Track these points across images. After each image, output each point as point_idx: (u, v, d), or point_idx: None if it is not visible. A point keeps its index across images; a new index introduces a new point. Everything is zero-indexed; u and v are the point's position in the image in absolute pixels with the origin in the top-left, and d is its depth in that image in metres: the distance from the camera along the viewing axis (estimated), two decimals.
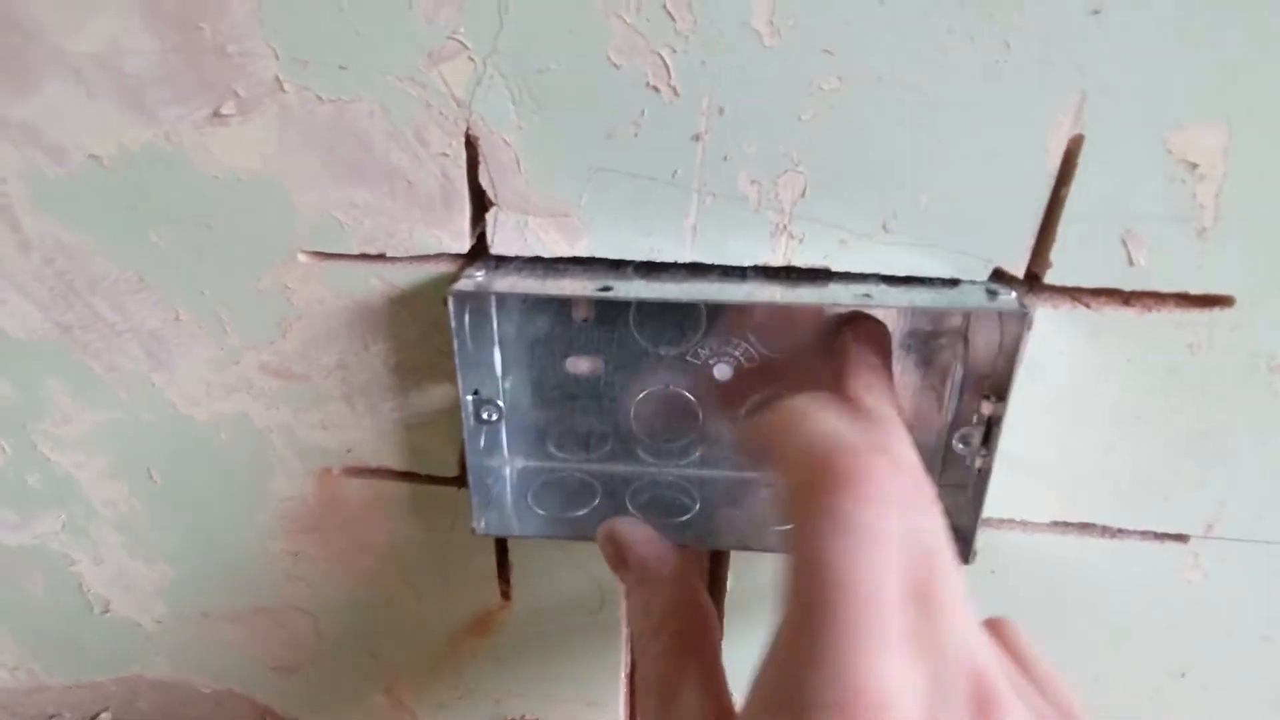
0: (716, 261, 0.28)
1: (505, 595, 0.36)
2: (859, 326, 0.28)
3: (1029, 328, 0.26)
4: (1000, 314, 0.27)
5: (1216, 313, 0.27)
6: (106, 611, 0.40)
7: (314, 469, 0.34)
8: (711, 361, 0.31)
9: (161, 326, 0.31)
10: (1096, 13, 0.23)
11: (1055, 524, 0.32)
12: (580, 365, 0.32)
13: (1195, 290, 0.26)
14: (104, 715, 0.44)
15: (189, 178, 0.28)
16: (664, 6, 0.24)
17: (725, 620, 0.34)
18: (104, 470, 0.35)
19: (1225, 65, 0.23)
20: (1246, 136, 0.24)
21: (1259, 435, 0.29)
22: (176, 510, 0.36)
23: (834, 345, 0.28)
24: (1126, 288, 0.27)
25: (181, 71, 0.26)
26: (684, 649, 0.26)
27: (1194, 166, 0.24)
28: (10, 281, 0.31)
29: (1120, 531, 0.31)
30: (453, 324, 0.27)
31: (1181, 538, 0.31)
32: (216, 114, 0.27)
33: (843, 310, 0.28)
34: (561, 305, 0.31)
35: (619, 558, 0.28)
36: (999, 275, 0.27)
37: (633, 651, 0.29)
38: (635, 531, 0.28)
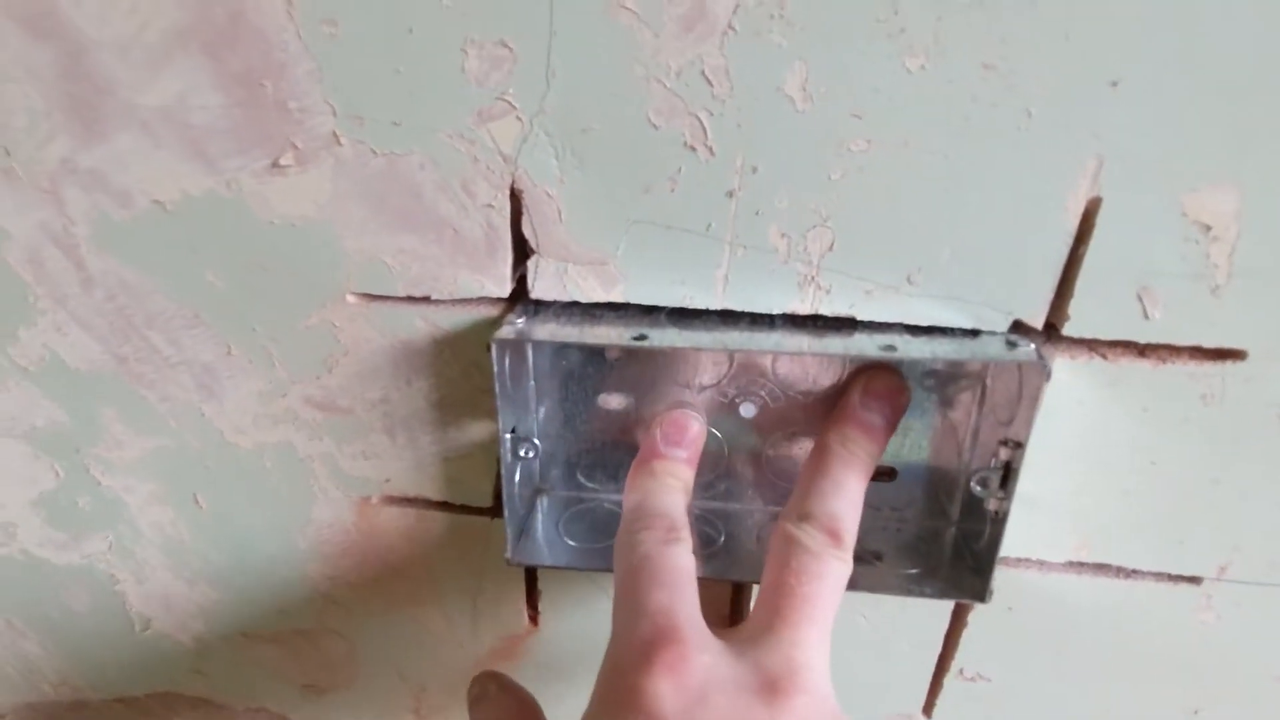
0: (746, 309, 0.29)
1: (534, 621, 0.37)
2: (873, 379, 0.30)
3: (1048, 378, 0.27)
4: (1020, 365, 0.28)
5: (1229, 365, 0.28)
6: (147, 629, 0.41)
7: (354, 498, 0.35)
8: (738, 400, 0.33)
9: (213, 360, 0.33)
10: (1114, 84, 0.24)
11: (1071, 564, 0.33)
12: (611, 401, 0.33)
13: (1208, 344, 0.27)
14: None
15: (246, 223, 0.29)
16: (702, 73, 0.25)
17: None
18: (152, 494, 0.37)
19: (1236, 132, 0.24)
20: (1257, 199, 0.25)
21: (1271, 482, 0.30)
22: (220, 534, 0.37)
23: (845, 389, 0.30)
24: (1142, 340, 0.28)
25: (244, 125, 0.28)
26: None
27: (1208, 228, 0.25)
28: (72, 315, 0.33)
29: (1135, 573, 0.32)
30: (495, 369, 0.29)
31: (1195, 580, 0.32)
32: (275, 164, 0.28)
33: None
34: (596, 349, 0.32)
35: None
36: (1018, 326, 0.28)
37: None
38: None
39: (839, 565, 0.26)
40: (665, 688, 0.23)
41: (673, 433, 0.31)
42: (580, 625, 0.37)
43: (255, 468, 0.35)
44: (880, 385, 0.30)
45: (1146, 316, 0.27)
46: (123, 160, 0.29)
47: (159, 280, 0.31)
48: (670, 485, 0.29)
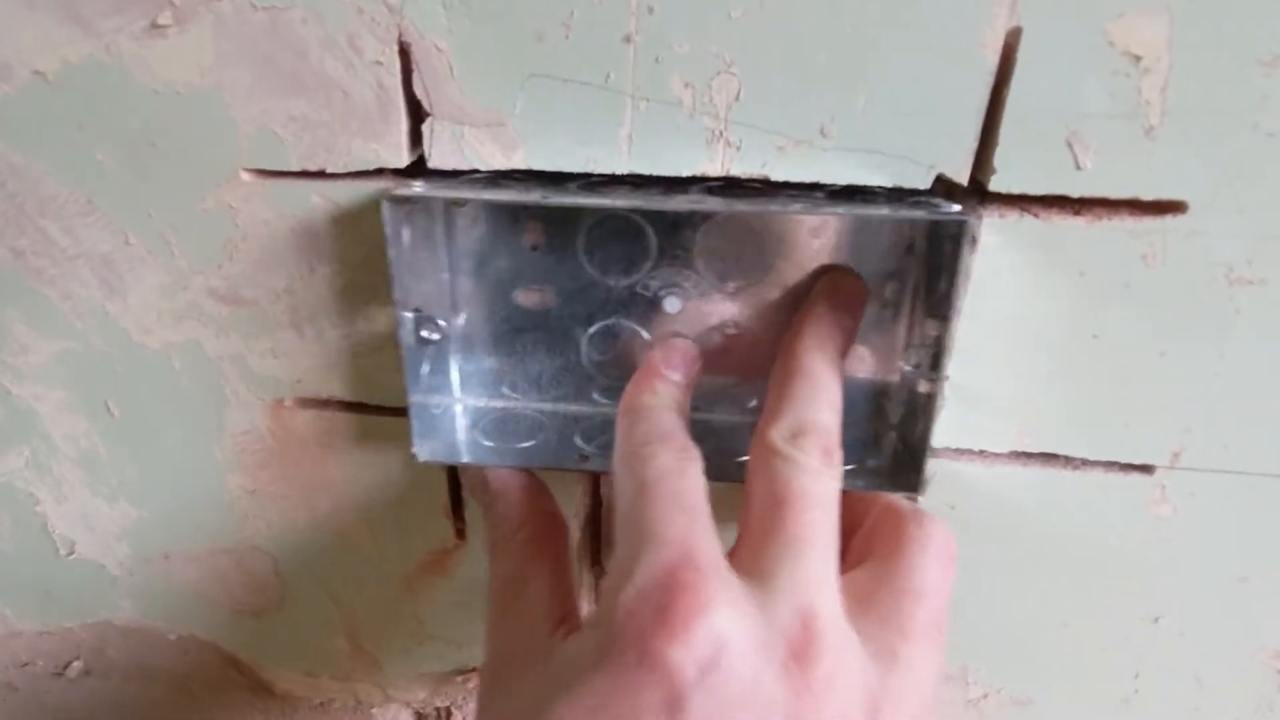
0: (654, 172, 0.27)
1: (460, 534, 0.36)
2: (840, 280, 0.28)
3: (973, 238, 0.26)
4: (941, 223, 0.26)
5: (1170, 220, 0.26)
6: (72, 554, 0.40)
7: (266, 401, 0.34)
8: (661, 294, 0.31)
9: (112, 251, 0.31)
10: None
11: (1015, 454, 0.31)
12: (530, 298, 0.32)
13: (1146, 196, 0.25)
14: (75, 664, 0.44)
15: (130, 93, 0.28)
16: None
17: None
18: (63, 403, 0.36)
19: None
20: (1189, 25, 0.23)
21: (1222, 355, 0.28)
22: (135, 445, 0.36)
23: (808, 295, 0.29)
24: (1075, 194, 0.26)
25: None
26: (534, 550, 0.28)
27: (1138, 59, 0.24)
28: None
29: (1083, 463, 0.30)
30: (388, 231, 0.27)
31: (1147, 469, 0.30)
32: (154, 25, 0.27)
33: (822, 263, 0.29)
34: (511, 232, 0.30)
35: (478, 482, 0.31)
36: (944, 185, 0.26)
37: (489, 559, 0.30)
38: (492, 468, 0.31)
39: (836, 485, 0.24)
40: (682, 655, 0.20)
41: (674, 357, 0.29)
42: None
43: (164, 370, 0.34)
44: (848, 285, 0.28)
45: (1078, 166, 0.25)
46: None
47: (48, 162, 0.30)
48: (672, 406, 0.27)
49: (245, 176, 0.29)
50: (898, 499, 0.28)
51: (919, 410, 0.29)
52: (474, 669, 0.39)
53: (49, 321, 0.33)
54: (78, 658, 0.44)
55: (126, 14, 0.27)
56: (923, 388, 0.28)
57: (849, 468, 0.30)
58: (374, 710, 0.43)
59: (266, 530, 0.37)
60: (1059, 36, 0.24)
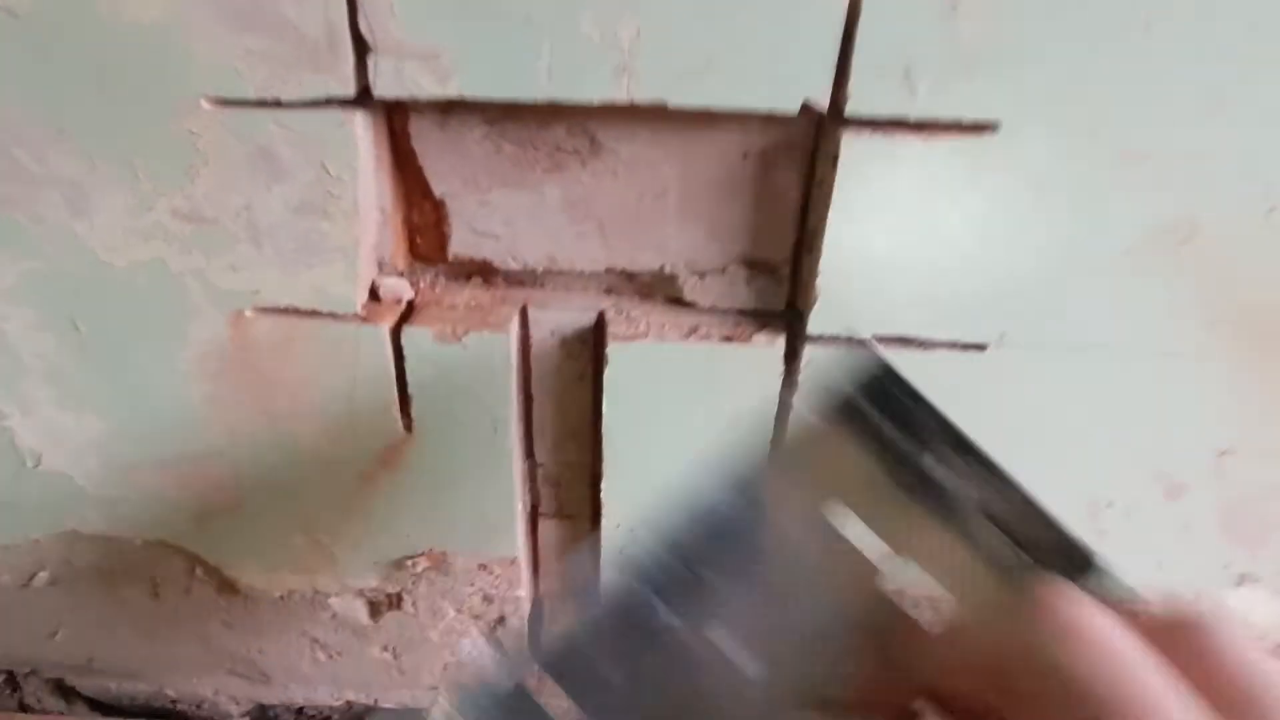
0: (570, 98, 0.32)
1: (408, 428, 0.40)
2: None
3: (837, 153, 0.31)
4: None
5: (985, 137, 0.32)
6: (38, 465, 0.43)
7: (227, 312, 0.38)
8: None
9: (80, 175, 0.35)
10: None
11: (876, 338, 0.37)
12: None
13: (967, 118, 0.32)
14: (41, 574, 0.47)
15: (95, 25, 0.31)
16: None
17: None
18: (31, 322, 0.38)
19: None
20: None
21: (1032, 248, 0.34)
22: (101, 359, 0.39)
23: None
24: (913, 117, 0.32)
25: None
26: None
27: (956, 5, 0.29)
28: None
29: (929, 343, 0.37)
30: None
31: (980, 347, 0.37)
32: None
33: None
34: None
35: None
36: (809, 111, 0.32)
37: None
38: None
39: None
40: None
41: None
42: (453, 430, 0.40)
43: (130, 286, 0.37)
44: None
45: (914, 93, 0.31)
46: None
47: (19, 92, 0.33)
48: None
49: (206, 105, 0.33)
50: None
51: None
52: (422, 554, 0.44)
53: (17, 243, 0.36)
54: (44, 568, 0.47)
55: None
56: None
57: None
58: (331, 600, 0.47)
59: (228, 436, 0.41)
60: None
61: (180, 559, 0.46)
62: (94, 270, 0.37)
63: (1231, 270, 0.35)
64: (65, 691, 0.57)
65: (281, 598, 0.48)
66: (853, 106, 0.32)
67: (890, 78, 0.31)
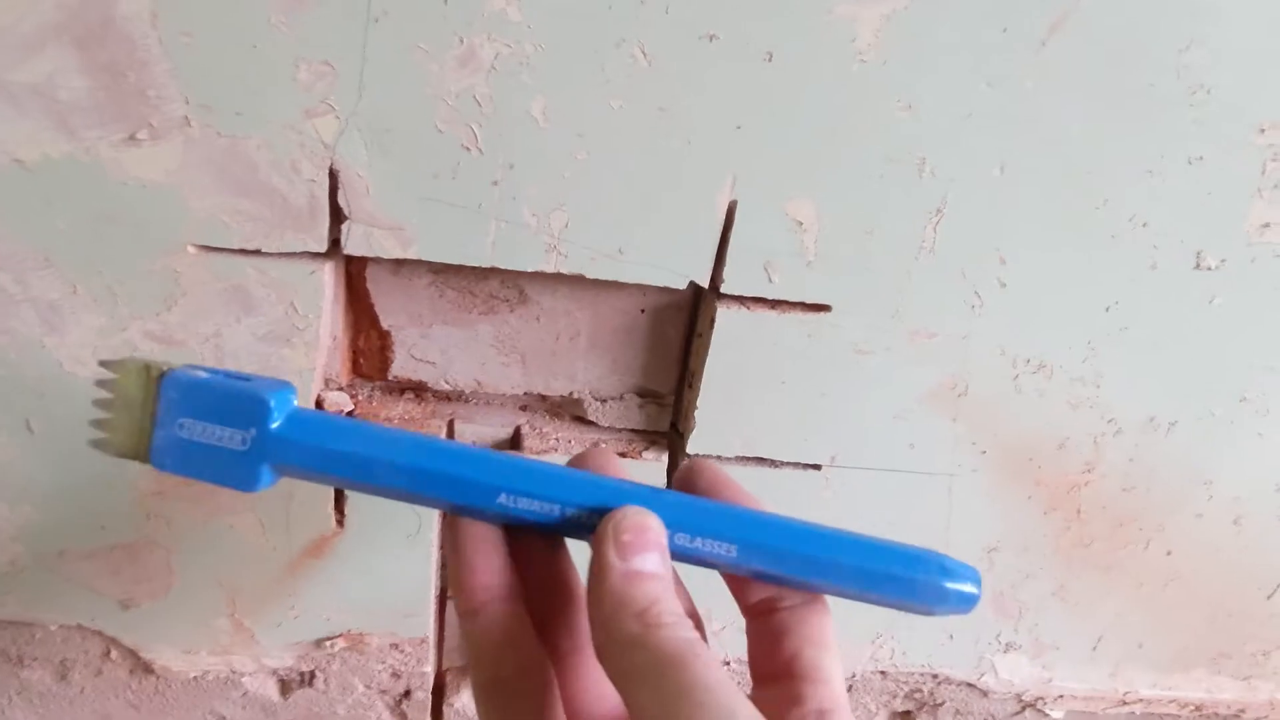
0: (508, 268, 0.40)
1: (339, 523, 0.46)
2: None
3: (714, 321, 0.41)
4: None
5: (822, 315, 0.43)
6: None
7: None
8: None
9: (60, 298, 0.39)
10: (738, 128, 0.38)
11: (740, 458, 0.47)
12: None
13: (809, 300, 0.42)
14: None
15: (100, 183, 0.36)
16: (474, 97, 0.36)
17: None
18: None
19: (811, 163, 0.39)
20: (827, 207, 0.40)
21: (855, 397, 0.45)
22: (50, 459, 0.43)
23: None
24: (770, 297, 0.42)
25: (106, 105, 0.35)
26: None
27: (800, 223, 0.40)
28: None
29: (779, 463, 0.47)
30: None
31: (817, 466, 0.47)
32: (132, 138, 0.36)
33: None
34: None
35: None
36: (695, 286, 0.42)
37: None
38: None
39: None
40: None
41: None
42: (381, 524, 0.46)
43: (91, 394, 0.41)
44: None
45: (770, 281, 0.41)
46: None
47: (12, 227, 0.37)
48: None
49: (191, 250, 0.38)
50: None
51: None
52: (340, 635, 0.49)
53: None
54: None
55: (109, 128, 0.35)
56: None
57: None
58: (244, 679, 0.51)
59: (166, 528, 0.45)
60: (758, 207, 0.40)
61: (97, 641, 0.49)
62: (57, 380, 0.41)
63: (993, 416, 0.47)
64: None
65: (195, 678, 0.51)
66: (726, 286, 0.41)
67: (754, 268, 0.41)
